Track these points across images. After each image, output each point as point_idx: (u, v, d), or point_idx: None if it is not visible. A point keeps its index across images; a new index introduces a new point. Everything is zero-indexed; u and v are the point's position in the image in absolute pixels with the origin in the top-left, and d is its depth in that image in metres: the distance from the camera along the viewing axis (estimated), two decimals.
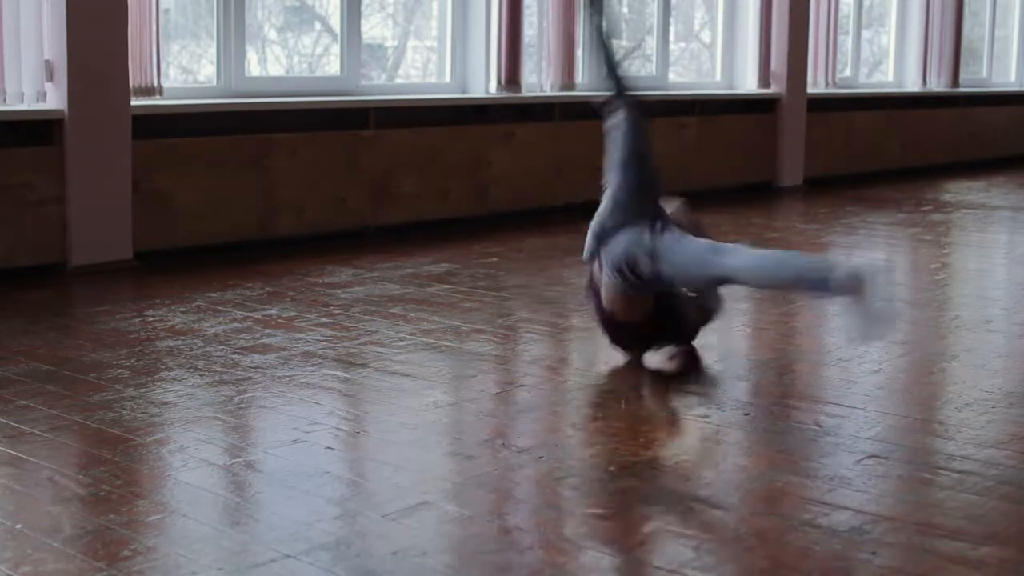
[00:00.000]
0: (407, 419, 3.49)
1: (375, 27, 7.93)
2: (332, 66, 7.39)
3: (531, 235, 6.96)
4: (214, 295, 5.17)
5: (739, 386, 3.90)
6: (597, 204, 4.10)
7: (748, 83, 9.42)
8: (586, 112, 8.51)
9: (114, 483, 2.95)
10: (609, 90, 4.26)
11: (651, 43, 9.12)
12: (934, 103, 11.30)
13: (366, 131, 6.83)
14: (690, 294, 4.13)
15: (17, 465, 3.08)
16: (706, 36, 9.82)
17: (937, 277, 6.18)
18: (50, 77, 5.62)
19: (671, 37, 9.20)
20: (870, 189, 9.78)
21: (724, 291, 4.24)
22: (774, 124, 9.53)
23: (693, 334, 4.22)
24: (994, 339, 4.66)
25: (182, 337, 4.43)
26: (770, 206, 8.67)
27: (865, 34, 11.15)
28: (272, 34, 7.49)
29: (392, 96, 7.22)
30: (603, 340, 4.28)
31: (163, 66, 6.15)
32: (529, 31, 7.88)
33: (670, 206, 4.14)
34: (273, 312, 4.86)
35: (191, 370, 3.99)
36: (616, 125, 4.16)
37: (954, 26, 11.22)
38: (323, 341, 4.39)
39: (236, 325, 4.62)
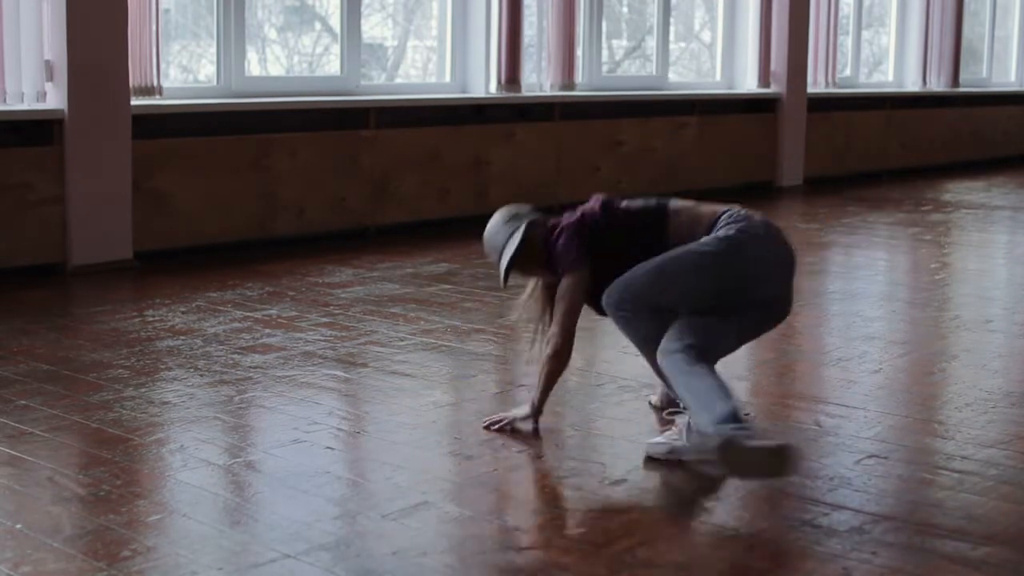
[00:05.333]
0: (407, 419, 3.49)
1: (375, 27, 7.93)
2: (332, 66, 7.39)
3: None
4: (214, 295, 5.17)
5: (739, 386, 3.89)
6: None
7: (748, 83, 9.42)
8: (586, 112, 8.56)
9: (114, 483, 2.95)
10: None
11: (651, 43, 9.12)
12: (934, 103, 11.30)
13: (366, 131, 6.83)
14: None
15: (17, 465, 3.08)
16: (706, 36, 9.82)
17: (937, 277, 6.18)
18: (50, 77, 5.62)
19: (671, 37, 9.20)
20: (870, 189, 9.78)
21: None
22: (774, 124, 9.53)
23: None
24: (994, 339, 4.66)
25: (182, 337, 4.43)
26: (770, 206, 8.67)
27: (865, 34, 11.15)
28: (272, 34, 7.49)
29: (392, 96, 7.21)
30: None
31: (163, 66, 6.15)
32: (529, 31, 7.88)
33: None
34: (273, 312, 4.86)
35: (191, 370, 3.99)
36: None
37: (954, 26, 11.22)
38: (323, 341, 4.39)
39: (236, 325, 4.62)
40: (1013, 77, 13.02)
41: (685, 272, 3.25)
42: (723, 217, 3.34)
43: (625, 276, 3.29)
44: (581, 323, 4.90)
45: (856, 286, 5.83)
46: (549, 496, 2.97)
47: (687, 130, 8.77)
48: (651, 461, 3.16)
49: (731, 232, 3.28)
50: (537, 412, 3.42)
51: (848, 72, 10.71)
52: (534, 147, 7.72)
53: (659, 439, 3.20)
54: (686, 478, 3.06)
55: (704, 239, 3.29)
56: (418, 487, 2.95)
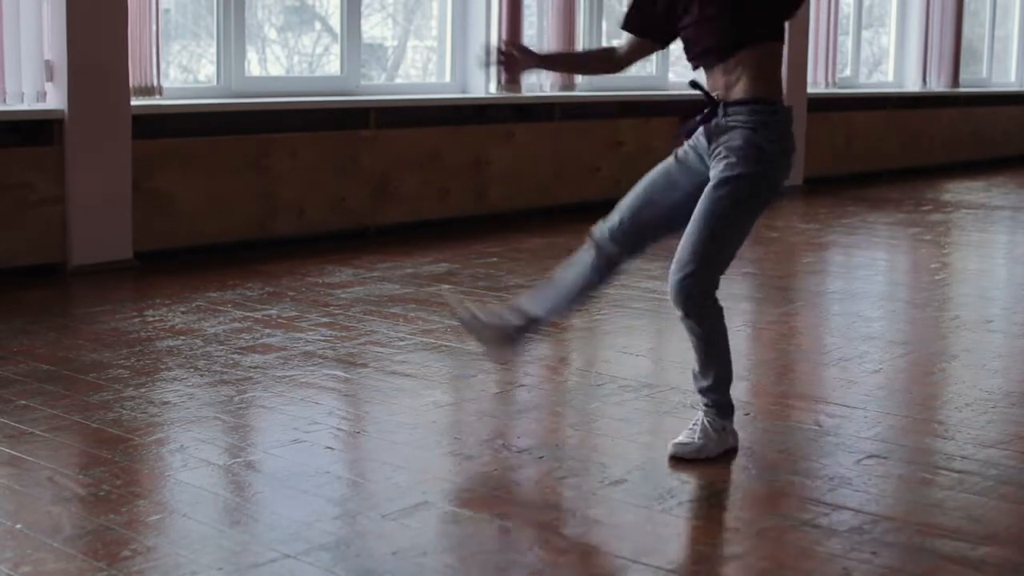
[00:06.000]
0: (407, 419, 3.49)
1: (375, 27, 7.93)
2: (332, 66, 7.39)
3: (531, 235, 6.96)
4: (214, 295, 5.17)
5: (739, 386, 3.89)
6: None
7: None
8: (586, 112, 8.55)
9: (114, 483, 2.95)
10: None
11: None
12: (934, 103, 11.29)
13: (366, 131, 6.83)
14: None
15: (17, 465, 3.08)
16: None
17: (937, 277, 6.18)
18: (50, 77, 5.62)
19: None
20: (870, 189, 9.78)
21: None
22: None
23: None
24: (994, 339, 4.66)
25: (182, 337, 4.43)
26: (770, 206, 8.66)
27: (865, 34, 11.15)
28: (272, 34, 7.49)
29: (392, 96, 7.21)
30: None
31: (163, 66, 6.15)
32: (529, 31, 7.88)
33: None
34: (273, 312, 4.86)
35: (191, 370, 3.99)
36: None
37: (954, 26, 11.22)
38: (323, 341, 4.39)
39: (236, 325, 4.62)
40: (1013, 77, 13.02)
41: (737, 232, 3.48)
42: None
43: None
44: (581, 323, 4.91)
45: (856, 286, 5.83)
46: (549, 496, 2.97)
47: None
48: (677, 461, 3.13)
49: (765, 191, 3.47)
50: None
51: (848, 72, 10.71)
52: (534, 147, 7.72)
53: (683, 439, 3.19)
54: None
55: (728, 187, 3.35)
56: (418, 487, 2.95)
